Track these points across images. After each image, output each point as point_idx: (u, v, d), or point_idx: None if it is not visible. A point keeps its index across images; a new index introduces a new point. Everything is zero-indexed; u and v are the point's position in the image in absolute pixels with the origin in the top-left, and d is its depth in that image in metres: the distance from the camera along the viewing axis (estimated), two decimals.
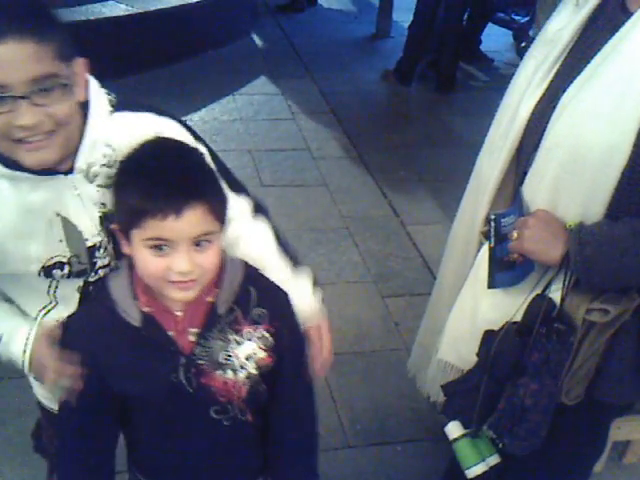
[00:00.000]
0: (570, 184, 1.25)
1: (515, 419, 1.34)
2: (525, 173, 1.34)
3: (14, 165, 1.10)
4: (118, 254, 1.24)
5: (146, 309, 1.16)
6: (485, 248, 1.40)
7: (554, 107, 1.27)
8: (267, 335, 1.22)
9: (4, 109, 1.01)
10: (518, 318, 1.35)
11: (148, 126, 1.22)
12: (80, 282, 1.26)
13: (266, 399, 1.29)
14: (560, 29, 1.32)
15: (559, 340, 1.29)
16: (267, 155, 3.88)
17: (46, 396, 1.47)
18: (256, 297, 1.22)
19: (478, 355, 1.41)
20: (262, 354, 1.22)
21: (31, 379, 1.47)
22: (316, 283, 1.44)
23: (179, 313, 1.17)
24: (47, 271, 1.20)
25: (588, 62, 1.24)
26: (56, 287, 1.26)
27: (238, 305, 1.20)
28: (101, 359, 1.18)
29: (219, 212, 1.10)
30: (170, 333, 1.17)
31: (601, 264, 1.22)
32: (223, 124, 4.13)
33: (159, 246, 1.06)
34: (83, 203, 1.18)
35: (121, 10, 4.52)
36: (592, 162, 1.20)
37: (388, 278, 3.07)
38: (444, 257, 1.71)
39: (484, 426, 1.42)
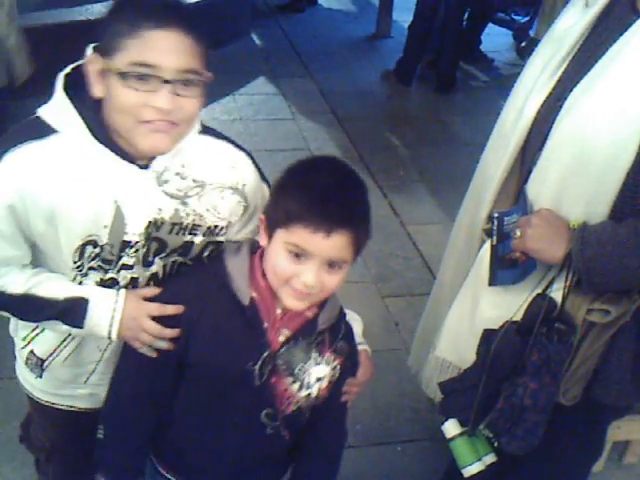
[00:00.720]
0: (575, 184, 1.24)
1: (514, 419, 1.34)
2: (530, 172, 1.34)
3: (104, 141, 1.15)
4: (145, 261, 1.27)
5: (254, 294, 1.21)
6: (487, 246, 1.40)
7: (560, 106, 1.26)
8: (338, 367, 1.29)
9: (147, 88, 1.09)
10: (518, 317, 1.35)
11: (228, 155, 1.31)
12: (101, 273, 1.26)
13: (303, 425, 1.34)
14: (568, 28, 1.31)
15: (560, 340, 1.28)
16: (267, 155, 3.87)
17: (44, 390, 1.46)
18: (344, 332, 1.31)
19: (477, 354, 1.41)
20: (326, 383, 1.28)
21: (25, 372, 1.46)
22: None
23: (279, 311, 1.22)
24: (82, 249, 1.21)
25: (596, 62, 1.23)
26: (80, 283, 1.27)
27: (330, 331, 1.28)
28: (195, 323, 1.21)
29: (360, 246, 1.17)
30: (265, 325, 1.22)
31: (603, 264, 1.21)
32: (223, 124, 4.13)
33: (297, 253, 1.12)
34: (142, 200, 1.21)
35: None
36: (597, 163, 1.20)
37: (388, 278, 3.07)
38: (445, 254, 1.71)
39: (481, 425, 1.42)
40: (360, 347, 1.42)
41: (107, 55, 1.10)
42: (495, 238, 1.34)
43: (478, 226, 1.49)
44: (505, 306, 1.38)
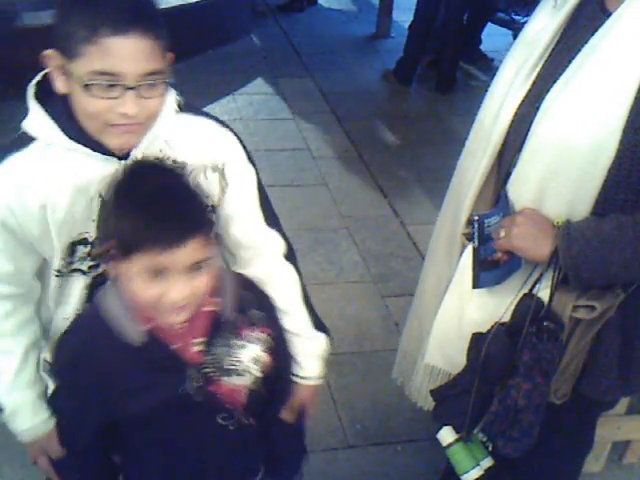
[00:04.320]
0: (556, 184, 1.25)
1: (509, 421, 1.33)
2: (508, 174, 1.34)
3: (80, 138, 1.15)
4: None
5: (147, 326, 1.15)
6: (469, 250, 1.40)
7: (537, 108, 1.28)
8: (266, 337, 1.23)
9: (111, 95, 1.08)
10: (506, 319, 1.35)
11: (208, 132, 1.28)
12: (87, 279, 1.27)
13: (263, 402, 1.31)
14: (540, 30, 1.33)
15: (550, 339, 1.29)
16: (267, 155, 3.88)
17: None
18: (251, 300, 1.24)
19: (467, 358, 1.40)
20: (264, 355, 1.23)
21: (46, 379, 1.46)
22: (328, 353, 1.45)
23: (180, 326, 1.16)
24: (73, 247, 1.22)
25: (569, 63, 1.25)
26: (61, 284, 1.27)
27: (234, 310, 1.21)
28: (103, 381, 1.16)
29: (212, 238, 1.12)
30: (174, 346, 1.17)
31: (590, 260, 1.22)
32: None
33: (156, 273, 1.05)
34: None
35: None
36: (578, 162, 1.21)
37: (388, 278, 3.07)
38: (426, 261, 1.69)
39: (475, 429, 1.42)
40: (298, 380, 1.38)
41: (66, 56, 1.08)
42: (476, 240, 1.35)
43: (458, 231, 1.49)
44: (492, 308, 1.38)
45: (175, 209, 1.05)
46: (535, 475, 1.60)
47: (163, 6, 4.68)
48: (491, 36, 5.57)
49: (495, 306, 1.38)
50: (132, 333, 1.14)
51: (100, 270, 1.27)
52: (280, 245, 1.39)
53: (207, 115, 1.30)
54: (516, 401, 1.31)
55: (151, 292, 1.06)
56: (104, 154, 1.17)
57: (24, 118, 1.18)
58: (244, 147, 1.33)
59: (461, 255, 1.48)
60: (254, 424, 1.29)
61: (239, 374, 1.21)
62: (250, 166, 1.34)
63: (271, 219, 1.38)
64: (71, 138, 1.15)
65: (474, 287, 1.39)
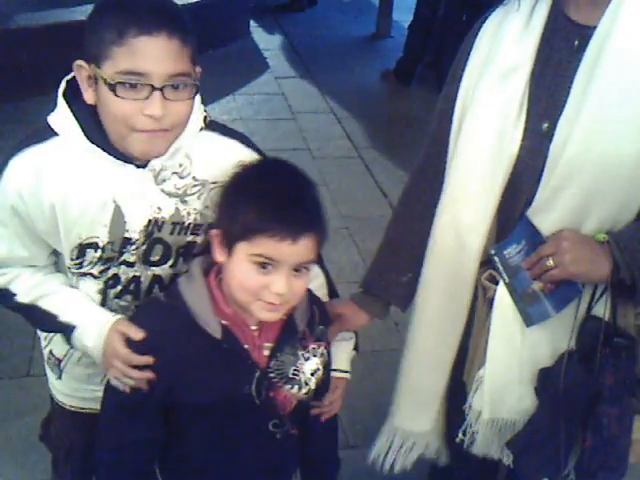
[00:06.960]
0: (599, 203, 1.20)
1: (607, 451, 1.26)
2: (525, 203, 1.27)
3: (101, 143, 1.16)
4: (147, 260, 1.27)
5: (224, 322, 1.17)
6: (501, 292, 1.31)
7: (550, 138, 1.21)
8: (326, 352, 1.27)
9: (137, 96, 1.08)
10: (566, 347, 1.28)
11: (232, 152, 1.28)
12: (99, 284, 1.28)
13: (306, 413, 1.33)
14: (513, 61, 1.25)
15: (628, 355, 1.23)
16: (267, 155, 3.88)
17: (63, 392, 1.46)
18: (318, 316, 1.28)
19: (540, 398, 1.32)
20: (321, 370, 1.26)
21: (48, 372, 1.47)
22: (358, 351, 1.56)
23: (254, 327, 1.19)
24: (81, 249, 1.23)
25: (565, 86, 1.20)
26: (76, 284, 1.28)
27: (305, 322, 1.25)
28: (174, 368, 1.16)
29: (323, 244, 1.16)
30: (246, 346, 1.19)
31: None
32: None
33: (264, 264, 1.09)
34: (140, 198, 1.22)
35: None
36: (623, 177, 1.17)
37: None
38: (416, 323, 1.58)
39: (567, 469, 1.33)
40: (338, 374, 1.43)
41: (94, 62, 1.09)
42: (506, 276, 1.28)
43: (467, 281, 1.38)
44: (547, 342, 1.31)
45: (297, 206, 1.10)
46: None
47: None
48: None
49: (550, 339, 1.30)
50: (212, 324, 1.16)
51: (110, 274, 1.27)
52: None
53: (233, 135, 1.31)
54: (610, 429, 1.24)
55: (257, 280, 1.10)
56: (123, 161, 1.17)
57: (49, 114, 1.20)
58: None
59: (475, 304, 1.39)
60: (295, 435, 1.31)
61: (299, 385, 1.24)
62: None
63: None
64: (92, 142, 1.16)
65: (528, 325, 1.29)
